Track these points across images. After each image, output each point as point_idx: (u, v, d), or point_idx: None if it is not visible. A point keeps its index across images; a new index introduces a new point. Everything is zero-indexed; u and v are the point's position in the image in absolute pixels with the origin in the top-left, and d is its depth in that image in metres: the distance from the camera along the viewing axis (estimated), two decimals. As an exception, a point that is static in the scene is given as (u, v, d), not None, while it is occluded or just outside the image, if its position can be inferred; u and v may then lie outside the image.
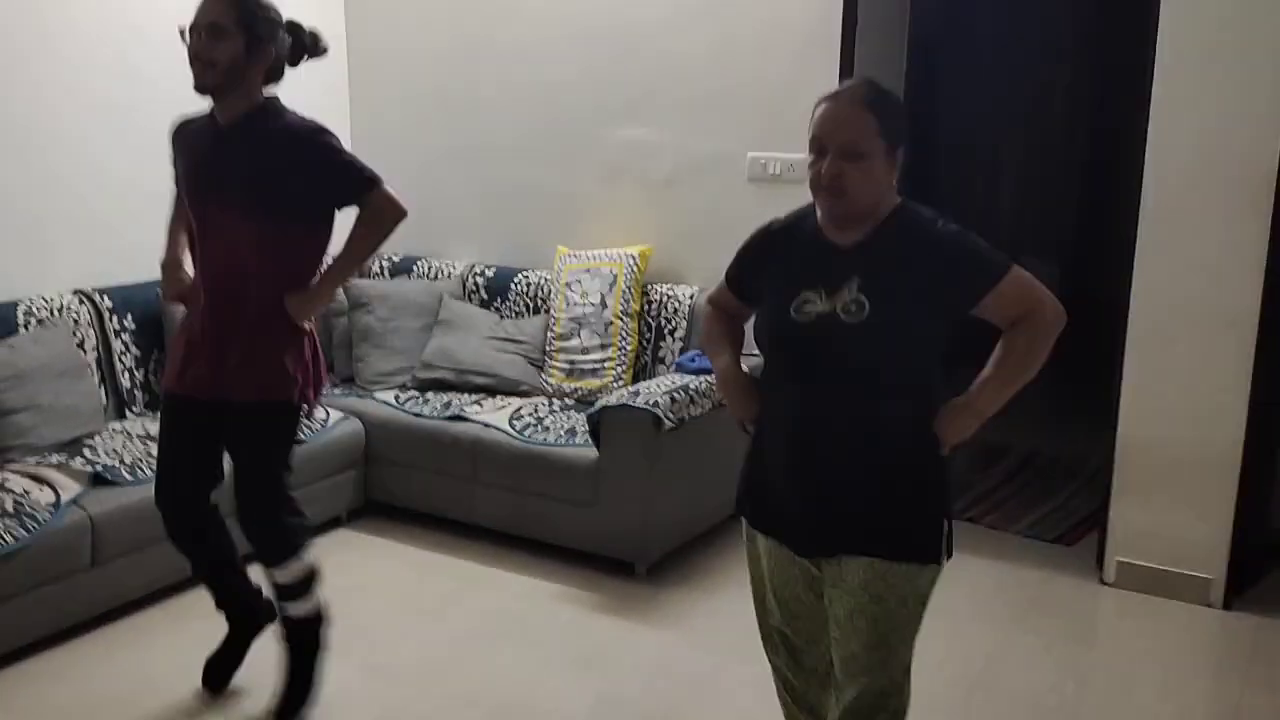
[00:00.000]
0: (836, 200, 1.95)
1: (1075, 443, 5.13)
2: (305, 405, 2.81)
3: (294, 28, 2.76)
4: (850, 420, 1.97)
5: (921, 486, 2.02)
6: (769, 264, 2.12)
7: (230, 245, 2.70)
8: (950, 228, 1.99)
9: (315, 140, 2.71)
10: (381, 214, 2.76)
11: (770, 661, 2.29)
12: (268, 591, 2.92)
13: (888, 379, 1.97)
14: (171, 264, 2.86)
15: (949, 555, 2.04)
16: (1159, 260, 3.58)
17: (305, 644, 2.89)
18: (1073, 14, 6.56)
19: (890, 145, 1.94)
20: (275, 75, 2.76)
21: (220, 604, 3.01)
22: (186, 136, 2.81)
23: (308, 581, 2.86)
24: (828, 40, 4.02)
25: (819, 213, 2.03)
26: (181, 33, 2.62)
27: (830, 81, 2.04)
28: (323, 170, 2.71)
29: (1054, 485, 4.79)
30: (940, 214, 2.02)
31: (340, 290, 4.49)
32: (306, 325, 2.80)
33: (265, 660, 2.96)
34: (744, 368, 2.21)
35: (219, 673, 3.02)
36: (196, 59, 2.61)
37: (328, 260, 2.85)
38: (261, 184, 2.67)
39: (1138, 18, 3.62)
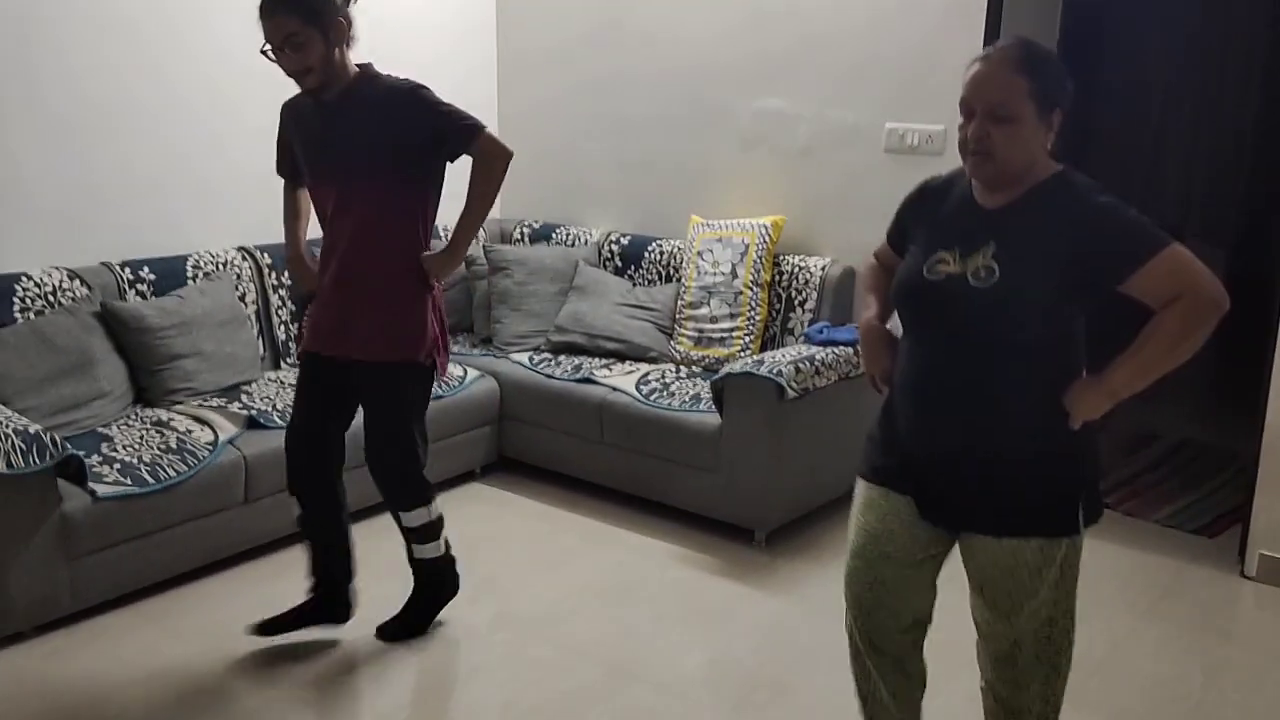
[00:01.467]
0: (982, 163, 1.92)
1: (1232, 434, 4.88)
2: (435, 363, 2.93)
3: None
4: (968, 384, 1.96)
5: (1047, 459, 1.96)
6: (921, 220, 2.11)
7: (351, 212, 2.82)
8: (1105, 199, 1.91)
9: (415, 96, 2.80)
10: (491, 159, 2.83)
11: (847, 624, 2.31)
12: (396, 544, 3.09)
13: (1009, 347, 1.93)
14: (295, 260, 3.03)
15: (1089, 523, 1.99)
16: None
17: (429, 581, 3.10)
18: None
19: (1043, 109, 1.88)
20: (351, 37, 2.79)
21: (313, 571, 3.08)
22: (295, 115, 2.92)
23: (433, 527, 3.04)
24: (973, 8, 3.93)
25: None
26: (265, 54, 2.69)
27: (974, 51, 2.00)
28: (428, 124, 2.79)
29: (1202, 476, 4.60)
30: (1100, 185, 1.94)
31: (482, 254, 4.68)
32: (435, 285, 2.92)
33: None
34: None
35: (271, 624, 3.05)
36: (292, 74, 2.71)
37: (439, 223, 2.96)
38: (373, 148, 2.78)
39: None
